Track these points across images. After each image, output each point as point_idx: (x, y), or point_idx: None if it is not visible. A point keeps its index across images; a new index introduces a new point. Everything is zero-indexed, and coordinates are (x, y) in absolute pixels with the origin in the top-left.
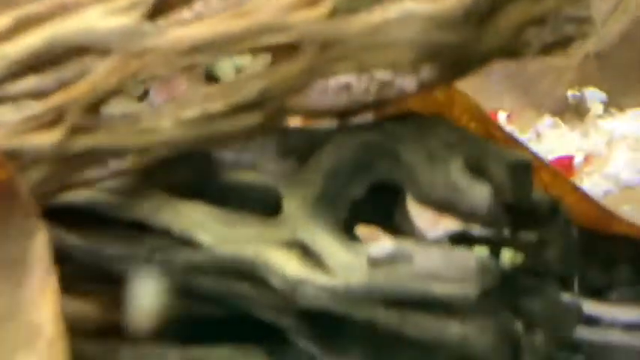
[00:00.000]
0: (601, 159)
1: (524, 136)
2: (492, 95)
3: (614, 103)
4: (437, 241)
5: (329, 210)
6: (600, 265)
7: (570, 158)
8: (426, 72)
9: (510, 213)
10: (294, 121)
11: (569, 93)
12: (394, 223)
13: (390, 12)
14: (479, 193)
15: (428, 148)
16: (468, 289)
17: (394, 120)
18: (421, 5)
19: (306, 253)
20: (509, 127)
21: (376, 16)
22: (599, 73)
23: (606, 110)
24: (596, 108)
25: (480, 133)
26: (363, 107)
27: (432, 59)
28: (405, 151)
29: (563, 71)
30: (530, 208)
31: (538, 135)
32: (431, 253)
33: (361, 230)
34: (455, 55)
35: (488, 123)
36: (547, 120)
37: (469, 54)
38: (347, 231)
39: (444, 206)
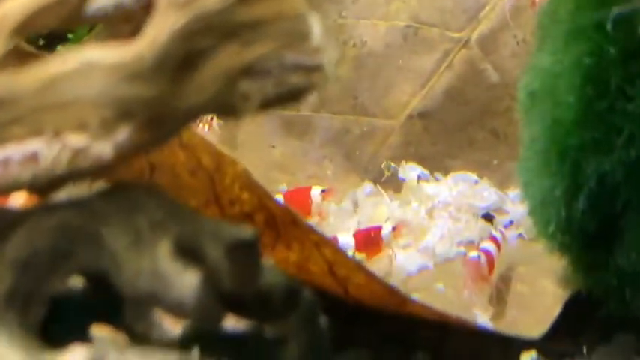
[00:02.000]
0: (419, 229)
1: (340, 206)
2: (314, 160)
3: (440, 167)
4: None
5: (18, 311)
6: (397, 351)
7: (378, 229)
8: (123, 135)
9: (237, 303)
10: None
11: (384, 166)
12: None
13: (68, 63)
14: (187, 282)
15: (134, 230)
16: None
17: (99, 195)
18: (104, 54)
19: None
20: (319, 204)
21: (51, 69)
22: (424, 134)
23: (431, 175)
24: (412, 179)
25: (253, 205)
26: (56, 180)
27: (125, 118)
28: (109, 234)
29: (388, 134)
30: (261, 296)
31: (355, 203)
32: (132, 357)
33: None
34: (151, 112)
35: (260, 193)
36: (367, 187)
37: (169, 110)
38: (45, 334)
39: (150, 298)
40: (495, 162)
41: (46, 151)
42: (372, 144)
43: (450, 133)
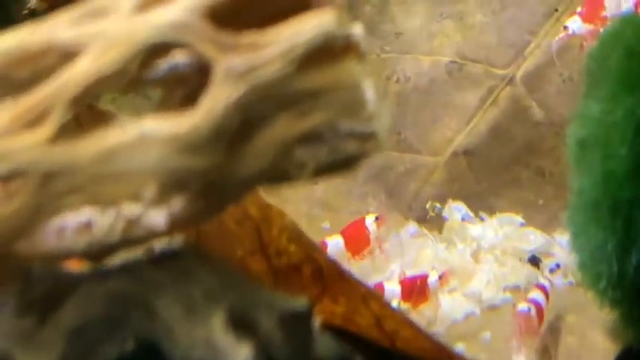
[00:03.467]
0: (465, 274)
1: (385, 245)
2: (356, 197)
3: (485, 206)
4: None
5: None
6: None
7: (424, 277)
8: (177, 204)
9: None
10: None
11: (428, 206)
12: None
13: (125, 135)
14: (241, 355)
15: (188, 299)
16: None
17: (152, 263)
18: (161, 126)
19: None
20: (376, 232)
21: (109, 140)
22: (468, 171)
23: (475, 214)
24: (456, 219)
25: (300, 256)
26: (109, 249)
27: (180, 189)
28: (162, 303)
29: (431, 171)
30: None
31: (400, 243)
32: None
33: None
34: (206, 182)
35: (308, 245)
36: (410, 228)
37: (224, 181)
38: None
39: None
40: (541, 202)
41: (100, 219)
42: (415, 181)
43: (494, 171)
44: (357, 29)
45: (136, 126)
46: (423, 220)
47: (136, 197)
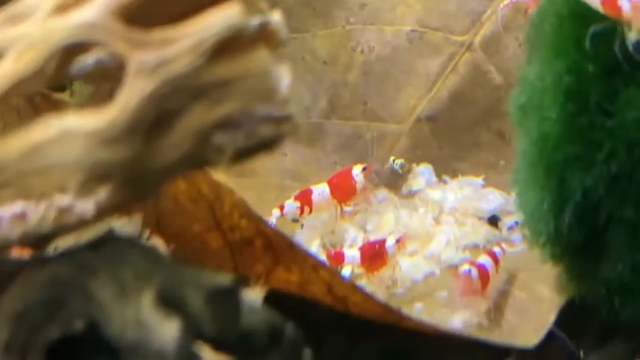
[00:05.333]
0: (425, 237)
1: (347, 208)
2: (326, 167)
3: (448, 169)
4: None
5: None
6: None
7: (382, 242)
8: (103, 193)
9: (219, 344)
10: None
11: (396, 165)
12: None
13: (48, 131)
14: (167, 331)
15: (120, 281)
16: None
17: (88, 247)
18: (81, 121)
19: None
20: (362, 182)
21: (34, 136)
22: (431, 137)
23: (439, 178)
24: (421, 184)
25: (251, 231)
26: (44, 237)
27: (103, 179)
28: (97, 285)
29: (396, 138)
30: (243, 336)
31: (363, 208)
32: None
33: None
34: (129, 172)
35: (257, 220)
36: (379, 194)
37: (146, 169)
38: None
39: (136, 348)
40: (502, 162)
41: (34, 210)
42: (381, 148)
43: (456, 135)
44: (275, 17)
45: (57, 122)
46: (389, 186)
47: (63, 188)
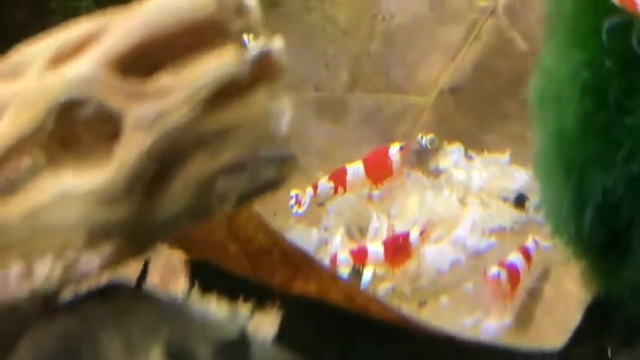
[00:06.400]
0: (450, 221)
1: (375, 192)
2: (349, 143)
3: (474, 143)
4: None
5: None
6: None
7: (405, 236)
8: (107, 249)
9: None
10: None
11: (424, 141)
12: None
13: (46, 194)
14: None
15: (127, 335)
16: None
17: (95, 298)
18: (78, 182)
19: None
20: (399, 161)
21: (33, 199)
22: (456, 110)
23: (465, 153)
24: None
25: (269, 242)
26: (51, 293)
27: (106, 237)
28: (105, 339)
29: (420, 111)
30: None
31: (390, 190)
32: None
33: None
34: (130, 228)
35: (273, 232)
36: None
37: (148, 224)
38: None
39: None
40: (529, 134)
41: (40, 268)
42: (405, 123)
43: (481, 107)
44: (275, 44)
45: (55, 185)
46: (417, 163)
47: (64, 251)
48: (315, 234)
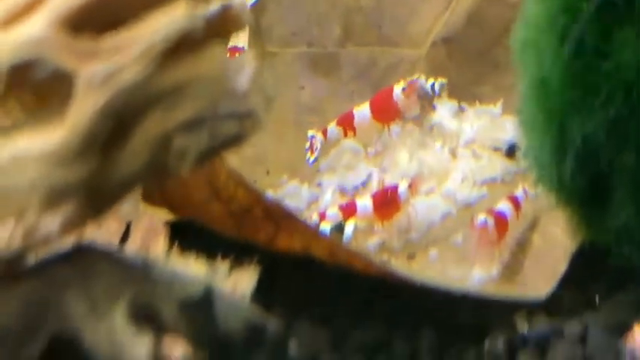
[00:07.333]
0: (441, 173)
1: (370, 150)
2: (343, 98)
3: (467, 94)
4: None
5: None
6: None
7: (394, 189)
8: (67, 210)
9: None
10: None
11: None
12: None
13: (0, 157)
14: (140, 347)
15: (92, 295)
16: None
17: (60, 260)
18: (32, 143)
19: None
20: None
21: None
22: (448, 61)
23: (459, 106)
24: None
25: (249, 200)
26: (13, 257)
27: (64, 198)
28: (70, 301)
29: (413, 64)
30: (223, 341)
31: (385, 146)
32: None
33: None
34: (89, 188)
35: (253, 189)
36: (395, 127)
37: (106, 183)
38: None
39: None
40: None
41: (0, 232)
42: (398, 75)
43: (474, 58)
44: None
45: (8, 147)
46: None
47: (20, 213)
48: (305, 191)
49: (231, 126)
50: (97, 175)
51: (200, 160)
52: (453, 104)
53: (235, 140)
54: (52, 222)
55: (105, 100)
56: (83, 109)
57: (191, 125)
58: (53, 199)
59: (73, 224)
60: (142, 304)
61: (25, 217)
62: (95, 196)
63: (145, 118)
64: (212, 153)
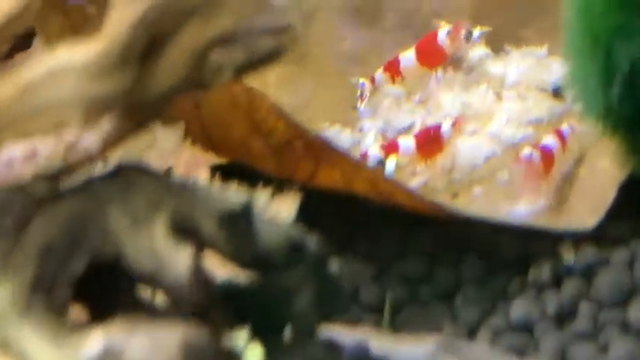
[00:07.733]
0: (486, 115)
1: (414, 95)
2: (387, 47)
3: (512, 37)
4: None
5: (44, 298)
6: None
7: (437, 128)
8: (107, 125)
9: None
10: None
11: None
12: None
13: (38, 70)
14: (181, 259)
15: (133, 210)
16: None
17: (101, 179)
18: (71, 56)
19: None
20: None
21: (24, 77)
22: (493, 5)
23: (501, 47)
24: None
25: (290, 133)
26: (55, 175)
27: (102, 112)
28: (112, 216)
29: (458, 11)
30: (262, 256)
31: (430, 90)
32: (140, 340)
33: None
34: (127, 102)
35: (294, 122)
36: (438, 74)
37: (145, 96)
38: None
39: (152, 281)
40: None
41: (42, 149)
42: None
43: (519, 1)
44: None
45: (47, 60)
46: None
47: (63, 126)
48: (347, 135)
49: (268, 41)
50: (135, 88)
51: (237, 75)
52: (488, 52)
53: (272, 56)
54: (92, 137)
55: (142, 12)
56: (121, 21)
57: (227, 39)
58: (93, 112)
59: (112, 139)
60: (182, 218)
61: (66, 131)
62: (134, 109)
63: (181, 31)
64: (249, 68)
